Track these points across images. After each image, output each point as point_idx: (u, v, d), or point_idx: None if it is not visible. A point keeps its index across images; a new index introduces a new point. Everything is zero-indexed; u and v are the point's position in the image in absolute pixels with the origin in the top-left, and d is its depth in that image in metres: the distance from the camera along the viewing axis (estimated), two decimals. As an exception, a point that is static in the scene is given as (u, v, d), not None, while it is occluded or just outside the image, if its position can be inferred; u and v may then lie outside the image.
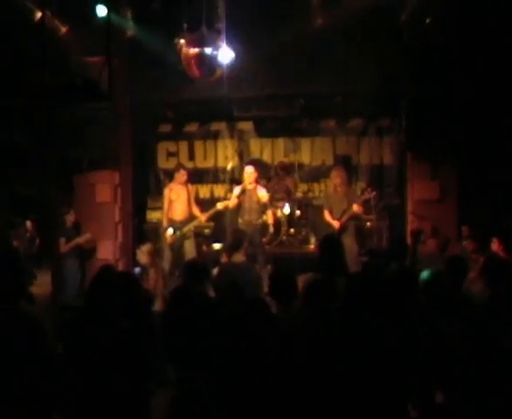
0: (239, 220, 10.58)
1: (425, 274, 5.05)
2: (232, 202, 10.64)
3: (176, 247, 10.79)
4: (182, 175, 11.01)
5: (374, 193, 10.53)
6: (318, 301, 4.76)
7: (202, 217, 10.93)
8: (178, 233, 10.75)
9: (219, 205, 10.83)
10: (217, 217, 11.63)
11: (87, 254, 10.78)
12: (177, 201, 10.90)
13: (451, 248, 9.67)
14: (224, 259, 8.94)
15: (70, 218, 10.55)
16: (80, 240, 10.55)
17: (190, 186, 11.19)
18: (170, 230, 10.77)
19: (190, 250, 10.79)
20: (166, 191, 11.13)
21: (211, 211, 10.89)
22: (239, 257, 7.79)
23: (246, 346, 4.00)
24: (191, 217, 10.94)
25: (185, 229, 10.81)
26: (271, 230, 11.45)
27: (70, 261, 10.44)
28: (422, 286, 5.01)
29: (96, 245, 10.99)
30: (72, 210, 10.71)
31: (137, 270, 10.14)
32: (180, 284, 6.49)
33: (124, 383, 4.07)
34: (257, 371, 3.91)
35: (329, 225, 10.41)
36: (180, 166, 11.45)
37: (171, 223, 10.86)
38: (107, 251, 11.20)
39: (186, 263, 7.51)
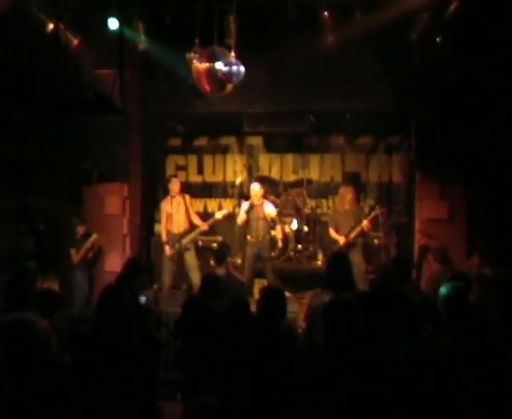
0: (248, 237, 10.57)
1: (443, 289, 5.01)
2: (241, 218, 10.61)
3: (177, 260, 10.77)
4: (174, 184, 10.90)
5: (383, 210, 10.54)
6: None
7: (203, 226, 10.84)
8: (177, 245, 10.72)
9: (218, 215, 10.83)
10: (225, 233, 11.63)
11: (94, 258, 10.76)
12: (176, 213, 10.83)
13: (460, 267, 9.60)
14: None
15: (80, 229, 10.57)
16: (88, 244, 10.54)
17: (186, 196, 11.04)
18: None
19: (191, 261, 10.72)
20: (163, 204, 11.04)
21: (210, 221, 10.86)
22: (221, 271, 7.97)
23: (253, 360, 4.01)
24: (191, 228, 10.88)
25: (184, 240, 10.77)
26: (280, 244, 11.44)
27: (79, 273, 10.48)
28: (442, 302, 4.97)
29: (102, 248, 10.95)
30: (83, 222, 10.73)
31: (143, 299, 10.13)
32: (193, 296, 6.52)
33: (132, 396, 4.06)
34: (265, 385, 3.92)
35: (336, 241, 10.42)
36: (171, 176, 11.49)
37: (170, 235, 10.81)
38: (114, 263, 11.18)
39: (203, 276, 7.50)
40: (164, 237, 10.89)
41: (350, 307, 4.68)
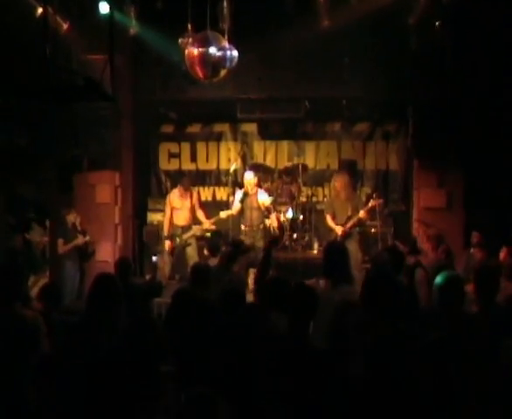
0: (242, 226, 10.55)
1: (438, 278, 4.91)
2: (235, 208, 10.64)
3: (177, 253, 10.69)
4: (185, 189, 10.99)
5: (381, 200, 10.43)
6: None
7: (206, 224, 10.82)
8: (178, 240, 10.67)
9: (222, 214, 10.79)
10: (220, 222, 11.52)
11: (87, 257, 10.63)
12: (181, 208, 10.88)
13: (457, 256, 9.51)
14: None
15: (70, 218, 10.39)
16: (78, 242, 10.37)
17: (194, 192, 11.16)
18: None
19: (192, 255, 10.71)
20: (169, 197, 11.12)
21: (215, 219, 10.81)
22: (215, 262, 8.01)
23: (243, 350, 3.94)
24: (195, 223, 10.87)
25: (185, 236, 10.71)
26: (275, 233, 11.33)
27: (68, 262, 10.30)
28: (436, 291, 4.88)
29: (95, 248, 10.83)
30: (74, 211, 10.56)
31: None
32: (183, 287, 6.44)
33: (126, 385, 3.95)
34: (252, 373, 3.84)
35: (332, 230, 10.32)
36: (184, 182, 11.30)
37: (174, 228, 10.81)
38: (106, 253, 11.10)
39: (192, 266, 7.42)
40: (166, 231, 10.89)
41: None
